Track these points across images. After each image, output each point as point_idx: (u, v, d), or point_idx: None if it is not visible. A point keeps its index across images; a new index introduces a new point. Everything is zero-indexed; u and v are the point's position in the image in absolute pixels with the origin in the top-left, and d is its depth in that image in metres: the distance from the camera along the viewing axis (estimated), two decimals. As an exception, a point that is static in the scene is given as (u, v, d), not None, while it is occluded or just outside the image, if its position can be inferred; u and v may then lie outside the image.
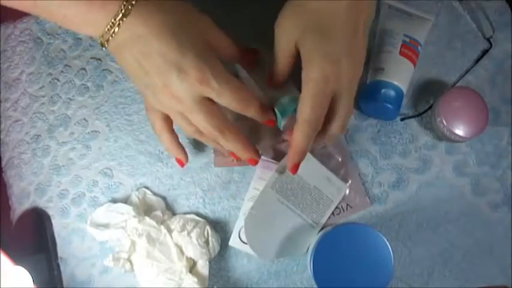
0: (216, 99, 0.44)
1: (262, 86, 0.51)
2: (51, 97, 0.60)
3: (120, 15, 0.40)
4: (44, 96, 0.60)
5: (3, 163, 0.59)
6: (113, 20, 0.40)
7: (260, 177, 0.55)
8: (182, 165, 0.53)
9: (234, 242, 0.55)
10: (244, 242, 0.54)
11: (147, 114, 0.50)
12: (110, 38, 0.41)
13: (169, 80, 0.42)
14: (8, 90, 0.60)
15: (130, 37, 0.41)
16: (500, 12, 0.60)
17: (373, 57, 0.57)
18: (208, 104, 0.44)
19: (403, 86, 0.55)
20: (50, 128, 0.59)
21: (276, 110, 0.49)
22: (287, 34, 0.45)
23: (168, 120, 0.49)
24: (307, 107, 0.44)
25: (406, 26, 0.57)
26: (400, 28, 0.56)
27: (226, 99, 0.44)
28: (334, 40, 0.43)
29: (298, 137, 0.46)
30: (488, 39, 0.59)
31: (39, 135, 0.59)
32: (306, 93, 0.44)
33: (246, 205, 0.55)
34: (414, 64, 0.56)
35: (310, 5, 0.44)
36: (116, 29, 0.41)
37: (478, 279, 0.55)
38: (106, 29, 0.41)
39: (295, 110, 0.46)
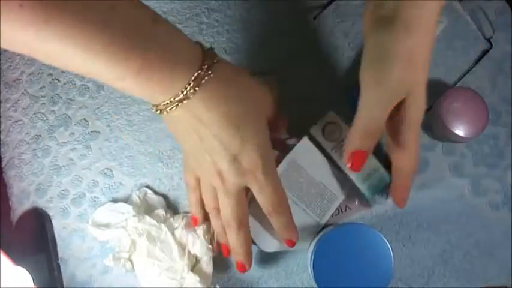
0: (255, 192, 0.44)
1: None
2: (52, 97, 0.60)
3: (181, 96, 0.37)
4: (44, 97, 0.60)
5: (3, 163, 0.59)
6: (171, 99, 0.38)
7: None
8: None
9: None
10: None
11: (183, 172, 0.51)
12: (165, 112, 0.39)
13: (219, 161, 0.41)
14: (8, 90, 0.60)
15: (188, 118, 0.39)
16: (500, 13, 0.60)
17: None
18: (243, 195, 0.45)
19: None
20: (50, 129, 0.59)
21: (367, 195, 0.53)
22: (397, 89, 0.41)
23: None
24: (415, 154, 0.45)
25: None
26: None
27: (265, 195, 0.44)
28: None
29: (408, 183, 0.48)
30: (488, 40, 0.59)
31: (40, 135, 0.59)
32: (414, 135, 0.44)
33: None
34: None
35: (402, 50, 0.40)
36: (174, 108, 0.38)
37: (478, 279, 0.55)
38: (162, 104, 0.38)
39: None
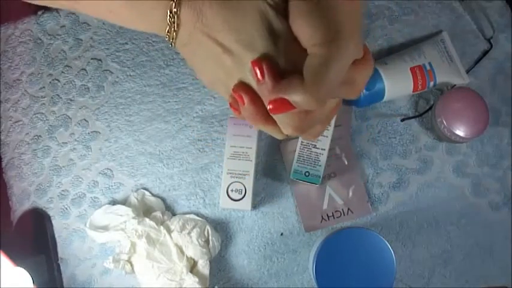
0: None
1: None
2: (52, 98, 0.60)
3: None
4: (44, 97, 0.60)
5: (3, 164, 0.59)
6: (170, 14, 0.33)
7: (234, 134, 0.54)
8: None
9: (224, 202, 0.53)
10: (234, 200, 0.53)
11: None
12: (174, 35, 0.34)
13: None
14: (9, 90, 0.60)
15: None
16: (500, 13, 0.60)
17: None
18: None
19: (388, 93, 0.55)
20: (50, 129, 0.59)
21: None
22: None
23: None
24: None
25: (438, 60, 0.56)
26: (433, 57, 0.56)
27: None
28: None
29: None
30: (488, 40, 0.59)
31: (40, 135, 0.59)
32: None
33: (226, 163, 0.54)
34: (415, 89, 0.56)
35: None
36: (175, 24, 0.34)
37: (478, 279, 0.55)
38: (167, 27, 0.34)
39: None
